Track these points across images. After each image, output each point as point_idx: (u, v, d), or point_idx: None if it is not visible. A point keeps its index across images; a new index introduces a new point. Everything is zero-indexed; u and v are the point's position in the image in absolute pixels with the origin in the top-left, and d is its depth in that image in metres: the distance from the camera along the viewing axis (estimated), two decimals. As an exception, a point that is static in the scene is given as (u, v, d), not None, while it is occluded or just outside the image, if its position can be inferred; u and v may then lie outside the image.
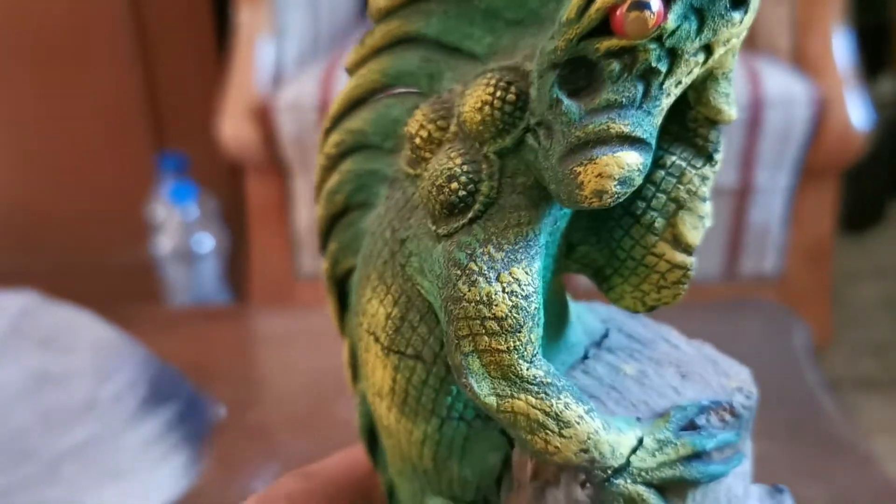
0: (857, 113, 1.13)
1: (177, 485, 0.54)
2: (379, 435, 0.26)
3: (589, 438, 0.20)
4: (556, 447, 0.20)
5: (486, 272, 0.20)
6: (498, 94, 0.21)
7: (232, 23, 1.22)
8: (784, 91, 1.12)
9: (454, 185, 0.21)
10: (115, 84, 1.52)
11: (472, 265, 0.21)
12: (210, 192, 1.36)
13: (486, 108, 0.21)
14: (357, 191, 0.25)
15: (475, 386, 0.20)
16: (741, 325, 0.68)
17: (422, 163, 0.23)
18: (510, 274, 0.21)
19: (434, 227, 0.22)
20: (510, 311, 0.20)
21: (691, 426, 0.22)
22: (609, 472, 0.21)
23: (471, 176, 0.21)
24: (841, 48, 1.16)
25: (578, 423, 0.20)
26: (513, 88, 0.21)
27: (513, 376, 0.20)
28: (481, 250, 0.21)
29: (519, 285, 0.20)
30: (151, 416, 0.59)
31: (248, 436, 0.59)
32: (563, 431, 0.20)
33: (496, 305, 0.20)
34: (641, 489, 0.21)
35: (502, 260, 0.21)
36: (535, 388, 0.20)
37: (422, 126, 0.23)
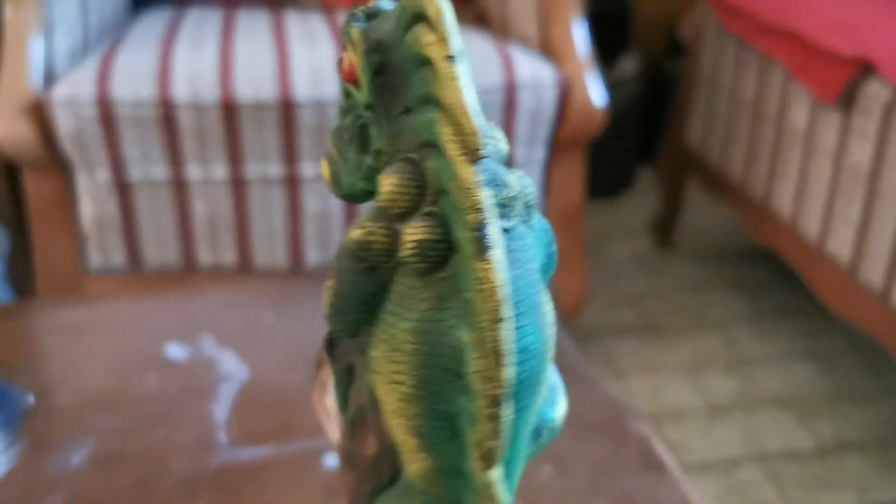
0: (596, 93, 1.29)
1: (-8, 468, 0.58)
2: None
3: None
4: None
5: None
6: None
7: (-3, 20, 1.20)
8: (533, 75, 1.26)
9: None
10: None
11: None
12: (-16, 192, 1.32)
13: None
14: None
15: None
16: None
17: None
18: None
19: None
20: None
21: None
22: None
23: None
24: (580, 36, 1.32)
25: None
26: None
27: None
28: None
29: None
30: (-42, 409, 0.61)
31: (58, 418, 0.63)
32: None
33: None
34: None
35: None
36: None
37: None
